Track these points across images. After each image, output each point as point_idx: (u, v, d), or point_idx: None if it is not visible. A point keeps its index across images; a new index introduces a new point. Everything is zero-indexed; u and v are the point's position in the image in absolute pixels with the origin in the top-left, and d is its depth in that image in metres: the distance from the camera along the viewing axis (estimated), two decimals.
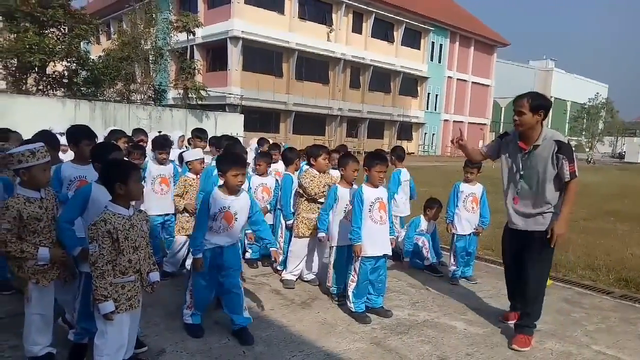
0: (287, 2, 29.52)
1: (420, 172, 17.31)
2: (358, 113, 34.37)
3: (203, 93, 23.02)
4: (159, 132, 8.60)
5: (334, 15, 32.17)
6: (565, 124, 55.06)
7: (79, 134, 3.46)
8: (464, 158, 4.50)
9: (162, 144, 5.07)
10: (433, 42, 39.58)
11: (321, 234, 4.40)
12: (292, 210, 4.95)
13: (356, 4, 32.49)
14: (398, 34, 36.30)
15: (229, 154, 3.65)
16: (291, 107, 30.20)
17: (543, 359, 3.47)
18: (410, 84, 38.74)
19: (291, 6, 29.60)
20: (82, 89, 19.33)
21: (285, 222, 5.05)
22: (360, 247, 3.93)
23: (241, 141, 8.72)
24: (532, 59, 66.25)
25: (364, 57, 33.79)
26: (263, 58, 28.79)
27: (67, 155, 4.96)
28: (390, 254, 4.21)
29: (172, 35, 23.11)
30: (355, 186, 4.26)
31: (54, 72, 18.66)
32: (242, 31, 26.92)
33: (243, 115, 23.71)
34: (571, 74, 65.39)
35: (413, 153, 37.44)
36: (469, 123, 43.76)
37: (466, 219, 5.11)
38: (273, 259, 3.81)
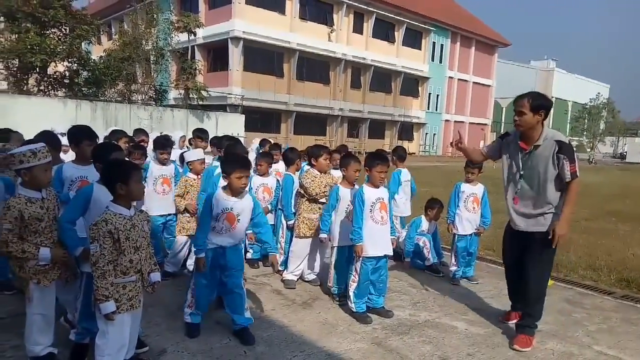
0: (288, 2, 29.53)
1: (421, 172, 17.31)
2: (359, 113, 34.36)
3: (204, 93, 23.02)
4: (161, 133, 8.62)
5: (334, 16, 32.17)
6: (567, 124, 54.98)
7: (80, 135, 3.46)
8: (465, 158, 4.50)
9: (164, 144, 5.08)
10: (434, 42, 39.56)
11: (323, 235, 4.40)
12: (293, 210, 4.95)
13: (357, 4, 32.49)
14: (399, 34, 36.29)
15: (233, 156, 3.64)
16: (292, 108, 30.20)
17: None
18: (411, 84, 38.73)
19: (292, 6, 29.60)
20: (83, 89, 19.35)
21: (287, 222, 5.06)
22: (361, 247, 3.93)
23: (242, 141, 8.74)
24: (533, 59, 66.30)
25: (364, 57, 33.79)
26: (264, 58, 28.80)
27: (68, 156, 4.97)
28: (392, 254, 4.21)
29: (173, 36, 23.10)
30: (356, 186, 4.26)
31: (55, 72, 18.68)
32: (243, 31, 26.93)
33: (244, 116, 23.70)
34: (572, 74, 65.32)
35: (414, 153, 37.43)
36: (470, 123, 43.75)
37: (467, 219, 5.11)
38: (270, 263, 3.76)
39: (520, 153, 3.63)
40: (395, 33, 36.28)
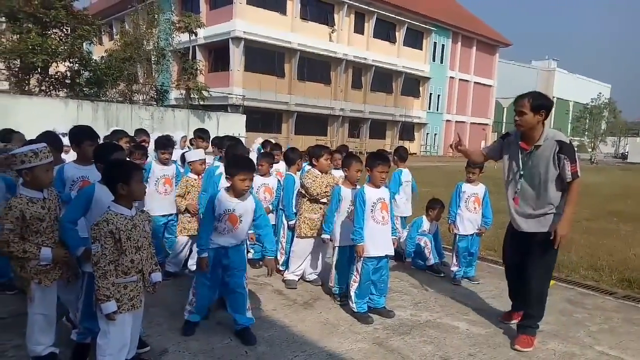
0: (289, 2, 29.55)
1: (423, 172, 17.31)
2: (360, 113, 34.37)
3: (205, 93, 23.05)
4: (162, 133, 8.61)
5: (335, 16, 32.19)
6: (568, 124, 54.86)
7: (81, 135, 3.47)
8: (466, 159, 4.50)
9: (165, 144, 5.09)
10: (435, 43, 39.56)
11: (325, 236, 4.40)
12: (295, 210, 4.95)
13: (358, 4, 32.50)
14: (400, 34, 36.29)
15: (238, 159, 3.63)
16: (293, 108, 30.22)
17: None
18: (412, 84, 38.72)
19: (293, 6, 29.62)
20: (84, 89, 19.36)
21: (288, 223, 5.06)
22: (363, 247, 3.94)
23: (243, 142, 8.74)
24: (535, 59, 66.22)
25: (365, 58, 33.80)
26: (265, 58, 28.82)
27: (69, 156, 4.97)
28: (393, 254, 4.21)
29: (174, 36, 23.15)
30: (358, 186, 4.26)
31: (56, 72, 18.71)
32: (244, 31, 26.96)
33: (245, 116, 23.71)
34: (573, 74, 65.22)
35: (415, 153, 37.41)
36: (471, 123, 43.76)
37: (468, 219, 5.10)
38: (265, 266, 3.73)
39: (520, 153, 3.63)
40: (396, 33, 36.28)
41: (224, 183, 4.12)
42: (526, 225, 3.65)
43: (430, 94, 40.22)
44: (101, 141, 4.04)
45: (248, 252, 5.32)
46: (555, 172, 3.47)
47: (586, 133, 44.44)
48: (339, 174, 5.11)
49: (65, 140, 4.31)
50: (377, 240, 3.99)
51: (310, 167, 4.98)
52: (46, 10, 16.88)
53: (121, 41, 21.90)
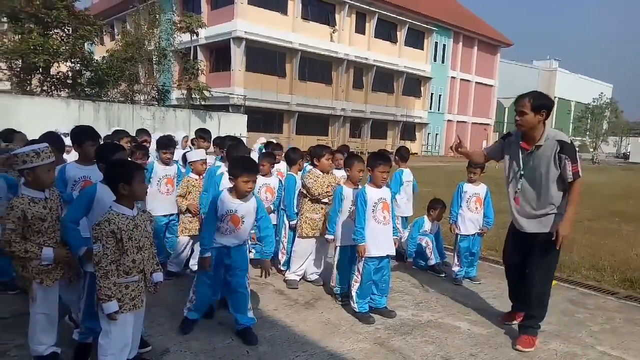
0: (290, 2, 29.55)
1: (424, 172, 17.30)
2: (361, 113, 34.36)
3: (206, 93, 23.08)
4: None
5: (337, 16, 32.18)
6: (570, 124, 54.81)
7: (82, 135, 3.48)
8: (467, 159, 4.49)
9: (166, 144, 5.10)
10: (436, 42, 39.53)
11: (329, 236, 4.40)
12: (296, 210, 4.96)
13: (359, 5, 32.49)
14: (401, 34, 36.28)
15: (242, 160, 3.62)
16: (294, 108, 30.23)
17: None
18: (414, 84, 38.70)
19: (294, 7, 29.62)
20: (86, 89, 19.40)
21: (289, 222, 5.06)
22: (364, 247, 3.94)
23: (244, 141, 8.73)
24: (536, 59, 66.10)
25: (367, 58, 33.80)
26: (266, 58, 28.83)
27: (70, 156, 4.98)
28: (394, 254, 4.21)
29: (176, 36, 23.18)
30: (360, 186, 4.26)
31: (58, 72, 18.74)
32: (245, 32, 26.97)
33: (246, 116, 23.74)
34: (575, 74, 65.10)
35: (416, 153, 37.39)
36: (473, 123, 43.71)
37: (469, 219, 5.10)
38: (259, 266, 3.72)
39: (521, 153, 3.62)
40: (398, 33, 36.26)
41: (225, 183, 4.12)
42: (528, 225, 3.64)
43: (432, 94, 40.19)
44: (102, 141, 4.04)
45: (249, 252, 5.33)
46: (556, 172, 3.46)
47: (588, 133, 44.43)
48: (340, 174, 5.12)
49: (67, 141, 4.31)
50: (379, 240, 3.99)
51: (311, 167, 4.98)
52: (48, 10, 16.91)
53: (122, 41, 21.93)
